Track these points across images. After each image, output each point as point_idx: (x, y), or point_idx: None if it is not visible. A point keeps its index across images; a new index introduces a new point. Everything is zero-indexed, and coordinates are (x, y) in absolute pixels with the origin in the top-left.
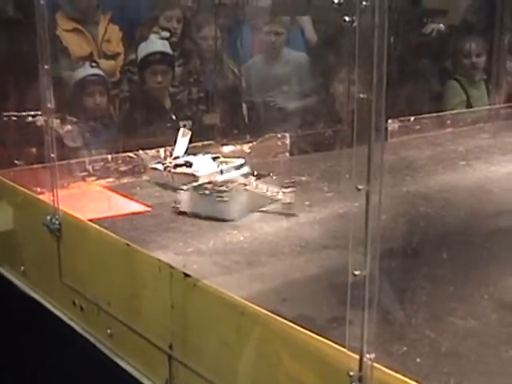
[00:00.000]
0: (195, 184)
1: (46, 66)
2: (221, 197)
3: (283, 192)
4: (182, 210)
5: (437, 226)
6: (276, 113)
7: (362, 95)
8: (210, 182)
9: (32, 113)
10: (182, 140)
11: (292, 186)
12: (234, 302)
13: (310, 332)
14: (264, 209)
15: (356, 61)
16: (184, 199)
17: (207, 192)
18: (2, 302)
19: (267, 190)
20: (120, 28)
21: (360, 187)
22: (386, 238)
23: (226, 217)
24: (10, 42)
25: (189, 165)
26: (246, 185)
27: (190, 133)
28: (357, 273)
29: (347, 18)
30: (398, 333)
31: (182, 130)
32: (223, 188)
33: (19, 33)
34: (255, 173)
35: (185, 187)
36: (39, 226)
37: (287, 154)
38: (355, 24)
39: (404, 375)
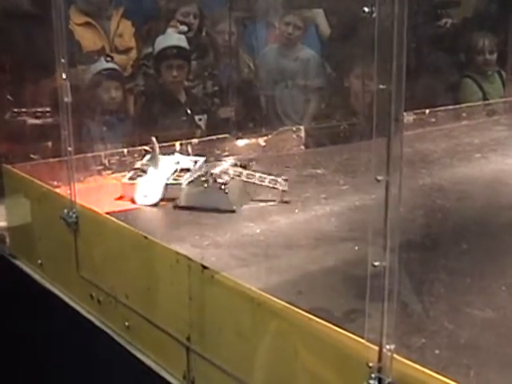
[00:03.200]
0: (193, 178)
1: (62, 60)
2: (221, 188)
3: (278, 180)
4: (181, 204)
5: (453, 219)
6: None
7: (381, 86)
8: (206, 175)
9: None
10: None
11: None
12: (252, 294)
13: (329, 324)
14: (260, 198)
15: (375, 52)
16: (183, 194)
17: (206, 185)
18: (19, 295)
19: (262, 180)
20: (132, 23)
21: (379, 178)
22: (402, 231)
23: (227, 207)
24: (25, 36)
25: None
26: (239, 175)
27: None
28: (376, 264)
29: (366, 9)
30: (417, 324)
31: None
32: (221, 180)
33: (35, 27)
34: (238, 163)
35: (184, 181)
36: (56, 220)
37: (302, 147)
38: (374, 15)
39: (423, 366)
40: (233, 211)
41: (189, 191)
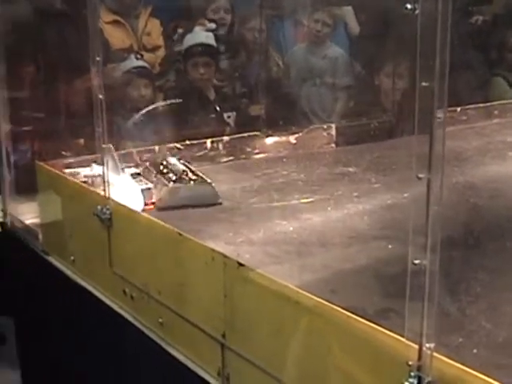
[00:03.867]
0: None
1: (97, 58)
2: (208, 183)
3: None
4: (166, 204)
5: (487, 217)
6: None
7: (424, 83)
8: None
9: None
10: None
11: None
12: (289, 291)
13: (368, 322)
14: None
15: (418, 49)
16: (167, 193)
17: (192, 182)
18: (52, 292)
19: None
20: (161, 22)
21: (421, 176)
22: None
23: (214, 201)
24: (58, 34)
25: None
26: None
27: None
28: (416, 262)
29: (409, 6)
30: (454, 323)
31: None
32: (199, 177)
33: (67, 25)
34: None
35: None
36: (89, 216)
37: (333, 145)
38: (417, 11)
39: (463, 365)
40: (220, 203)
41: (172, 190)
